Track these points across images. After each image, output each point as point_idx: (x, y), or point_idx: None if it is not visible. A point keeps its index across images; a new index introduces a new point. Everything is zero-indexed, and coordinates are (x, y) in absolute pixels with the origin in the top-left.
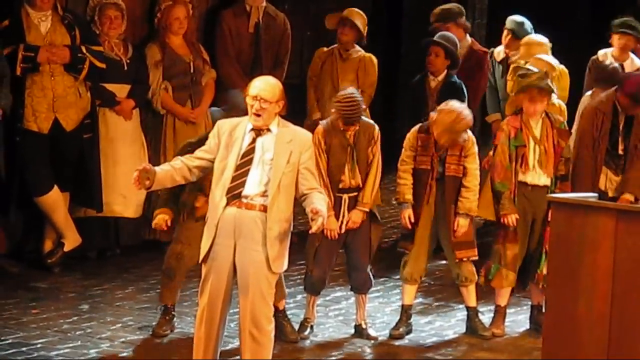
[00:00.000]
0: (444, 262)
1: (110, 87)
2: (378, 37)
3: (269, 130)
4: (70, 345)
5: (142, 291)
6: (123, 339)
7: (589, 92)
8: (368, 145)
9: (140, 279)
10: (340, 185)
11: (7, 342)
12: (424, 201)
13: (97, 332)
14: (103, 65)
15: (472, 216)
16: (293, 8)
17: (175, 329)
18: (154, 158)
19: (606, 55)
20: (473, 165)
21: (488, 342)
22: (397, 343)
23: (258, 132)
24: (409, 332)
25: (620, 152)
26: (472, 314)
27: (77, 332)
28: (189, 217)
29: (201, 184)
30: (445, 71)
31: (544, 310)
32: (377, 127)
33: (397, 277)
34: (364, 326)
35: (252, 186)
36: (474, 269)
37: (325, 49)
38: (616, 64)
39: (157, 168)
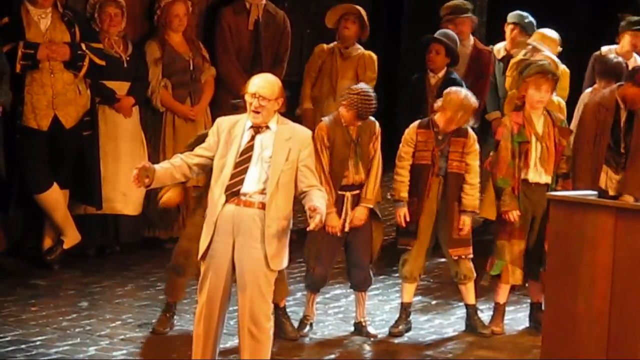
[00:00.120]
0: (443, 260)
1: (110, 84)
2: (378, 35)
3: (268, 127)
4: (70, 342)
5: (141, 288)
6: (122, 337)
7: (589, 89)
8: (370, 141)
9: (139, 277)
10: (344, 182)
11: (7, 339)
12: (425, 197)
13: (97, 329)
14: (103, 63)
15: (474, 214)
16: (293, 6)
17: (174, 326)
18: (153, 155)
19: (610, 51)
20: (475, 162)
21: (487, 339)
22: (396, 341)
23: (257, 129)
24: (408, 329)
25: (622, 150)
26: (471, 311)
27: (77, 330)
28: (197, 206)
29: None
30: (445, 68)
31: (543, 308)
32: (377, 123)
33: (397, 275)
34: (363, 324)
35: (250, 184)
36: (472, 266)
37: (325, 46)
38: (620, 59)
39: (156, 166)
